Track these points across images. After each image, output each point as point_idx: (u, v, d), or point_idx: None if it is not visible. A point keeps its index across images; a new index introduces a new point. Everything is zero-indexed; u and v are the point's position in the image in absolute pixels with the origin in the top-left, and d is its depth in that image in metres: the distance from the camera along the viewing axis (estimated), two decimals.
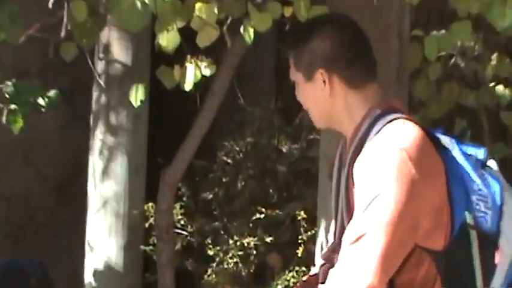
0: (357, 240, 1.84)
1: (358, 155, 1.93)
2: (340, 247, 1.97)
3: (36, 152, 6.10)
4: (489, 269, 1.95)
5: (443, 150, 1.95)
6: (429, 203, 1.87)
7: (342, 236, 1.96)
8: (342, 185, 2.05)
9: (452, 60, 5.13)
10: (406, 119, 1.94)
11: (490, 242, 1.96)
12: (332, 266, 1.99)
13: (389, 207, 1.82)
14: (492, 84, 5.13)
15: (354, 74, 2.03)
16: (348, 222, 1.95)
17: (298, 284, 2.78)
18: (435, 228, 1.87)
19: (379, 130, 1.92)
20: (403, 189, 1.83)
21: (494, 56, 5.01)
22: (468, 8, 3.60)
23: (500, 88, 5.07)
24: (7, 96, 4.19)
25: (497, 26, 3.57)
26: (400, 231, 1.81)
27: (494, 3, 3.49)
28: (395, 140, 1.87)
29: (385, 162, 1.84)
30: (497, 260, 1.96)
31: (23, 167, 6.17)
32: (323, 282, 2.00)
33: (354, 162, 1.94)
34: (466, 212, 1.90)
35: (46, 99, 4.29)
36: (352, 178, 1.95)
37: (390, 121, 1.92)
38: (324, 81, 2.01)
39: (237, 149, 5.79)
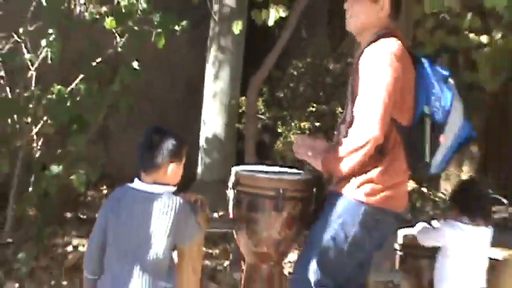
0: (363, 103, 2.50)
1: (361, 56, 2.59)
2: (345, 120, 2.65)
3: (172, 64, 7.43)
4: (434, 146, 2.61)
5: (417, 62, 2.63)
6: (403, 88, 2.53)
7: (348, 112, 2.63)
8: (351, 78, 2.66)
9: (441, 15, 6.55)
10: (394, 37, 2.62)
11: (438, 128, 2.58)
12: (339, 133, 2.70)
13: (384, 83, 2.49)
14: (467, 32, 6.56)
15: (398, 4, 2.72)
16: (351, 102, 2.58)
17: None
18: (403, 108, 2.55)
19: (375, 40, 2.60)
20: (392, 73, 2.50)
21: (469, 14, 6.22)
22: None
23: (472, 35, 6.59)
24: (155, 23, 4.87)
25: None
26: (388, 100, 2.48)
27: None
28: (387, 47, 2.56)
29: (382, 57, 2.53)
30: (441, 140, 2.63)
31: (163, 76, 7.43)
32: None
33: (359, 60, 2.60)
34: (425, 106, 2.55)
35: (179, 27, 5.00)
36: (357, 71, 2.57)
37: (384, 36, 2.61)
38: (383, 6, 2.64)
39: (300, 65, 7.30)
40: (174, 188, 2.49)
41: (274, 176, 2.95)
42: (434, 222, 3.21)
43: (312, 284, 2.68)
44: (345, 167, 2.58)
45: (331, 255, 2.66)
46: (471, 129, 2.79)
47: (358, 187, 2.61)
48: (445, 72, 2.70)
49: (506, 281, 3.32)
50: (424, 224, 3.21)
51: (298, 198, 2.90)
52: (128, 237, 2.42)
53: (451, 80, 2.69)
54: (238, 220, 2.97)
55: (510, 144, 7.45)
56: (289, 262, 4.10)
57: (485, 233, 3.02)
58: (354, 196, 2.62)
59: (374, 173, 2.62)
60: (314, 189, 2.96)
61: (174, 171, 2.48)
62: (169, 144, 2.44)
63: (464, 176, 7.45)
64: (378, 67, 2.52)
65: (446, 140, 2.67)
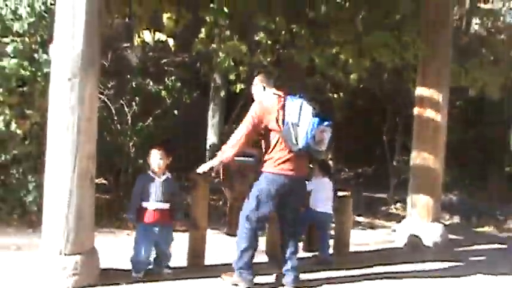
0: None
1: None
2: None
3: None
4: (298, 136, 5.48)
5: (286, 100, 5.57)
6: (269, 117, 5.56)
7: None
8: None
9: None
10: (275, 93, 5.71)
11: (295, 125, 5.48)
12: None
13: (253, 114, 5.57)
14: None
15: None
16: None
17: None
18: (274, 124, 5.55)
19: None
20: (259, 110, 5.57)
21: None
22: None
23: None
24: None
25: None
26: (254, 123, 5.55)
27: None
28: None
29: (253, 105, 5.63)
30: (300, 133, 5.48)
31: None
32: None
33: None
34: (288, 117, 5.47)
35: None
36: None
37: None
38: None
39: None
40: None
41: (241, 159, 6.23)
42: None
43: (244, 217, 5.61)
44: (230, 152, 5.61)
45: (251, 200, 5.64)
46: (321, 121, 5.45)
47: (263, 164, 5.60)
48: (299, 101, 5.52)
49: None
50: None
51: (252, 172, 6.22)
52: None
53: (303, 104, 5.49)
54: (226, 183, 6.31)
55: None
56: None
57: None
58: (262, 169, 5.65)
59: (270, 155, 5.56)
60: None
61: None
62: None
63: None
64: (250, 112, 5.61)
65: (302, 131, 5.44)
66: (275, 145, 5.57)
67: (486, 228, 10.33)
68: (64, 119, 5.05)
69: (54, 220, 5.10)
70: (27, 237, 6.76)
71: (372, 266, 6.67)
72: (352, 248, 7.45)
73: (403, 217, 9.19)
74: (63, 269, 5.07)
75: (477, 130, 13.22)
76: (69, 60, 5.03)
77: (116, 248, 6.45)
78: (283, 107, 5.54)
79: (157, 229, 5.58)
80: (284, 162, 5.55)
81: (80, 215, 5.11)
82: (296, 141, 5.47)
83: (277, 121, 5.52)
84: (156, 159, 5.62)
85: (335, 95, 12.44)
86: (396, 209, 11.36)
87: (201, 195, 6.15)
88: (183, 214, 5.75)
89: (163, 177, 5.63)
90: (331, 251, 7.02)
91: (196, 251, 6.16)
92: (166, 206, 5.61)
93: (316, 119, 5.47)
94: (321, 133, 5.53)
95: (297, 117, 5.48)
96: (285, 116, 5.51)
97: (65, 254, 5.08)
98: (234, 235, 6.25)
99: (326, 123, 5.56)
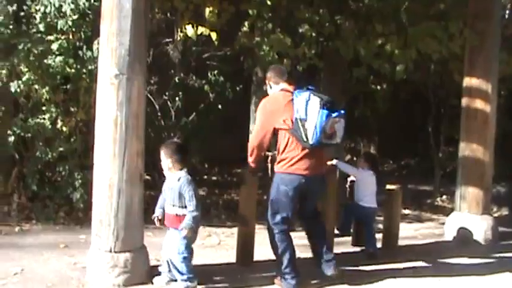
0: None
1: None
2: None
3: None
4: (307, 133, 5.18)
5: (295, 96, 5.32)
6: (276, 118, 5.37)
7: None
8: None
9: None
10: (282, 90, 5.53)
11: (303, 120, 5.19)
12: None
13: (259, 119, 5.49)
14: None
15: None
16: None
17: None
18: (283, 123, 5.31)
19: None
20: (263, 114, 5.47)
21: None
22: None
23: None
24: None
25: None
26: (262, 128, 5.43)
27: None
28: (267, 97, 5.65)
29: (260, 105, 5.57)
30: (309, 129, 5.17)
31: None
32: None
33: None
34: (296, 115, 5.23)
35: None
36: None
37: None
38: None
39: None
40: None
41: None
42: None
43: (270, 221, 5.43)
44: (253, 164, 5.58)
45: (272, 203, 5.42)
46: (332, 112, 5.17)
47: (277, 164, 5.40)
48: (306, 94, 5.25)
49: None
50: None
51: None
52: None
53: (310, 97, 5.21)
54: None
55: None
56: None
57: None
58: (276, 169, 5.44)
59: (283, 156, 5.33)
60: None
61: None
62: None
63: None
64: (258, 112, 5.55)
65: (311, 126, 5.16)
66: (286, 144, 5.32)
67: None
68: (112, 116, 5.02)
69: (103, 218, 5.09)
70: (75, 235, 6.78)
71: (420, 260, 6.58)
72: (401, 242, 7.33)
73: (450, 209, 9.05)
74: (113, 267, 5.06)
75: None
76: (116, 57, 5.00)
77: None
78: (290, 103, 5.31)
79: (169, 233, 5.25)
80: (298, 161, 5.30)
81: (129, 212, 5.11)
82: (306, 137, 5.20)
83: (285, 120, 5.29)
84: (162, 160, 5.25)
85: (378, 87, 12.26)
86: (442, 201, 11.13)
87: (249, 191, 6.06)
88: (189, 222, 5.01)
89: (173, 179, 5.15)
90: (379, 245, 6.93)
91: (245, 249, 6.12)
92: (173, 210, 5.13)
93: (325, 111, 5.16)
94: (332, 125, 5.23)
95: (304, 112, 5.20)
96: (293, 112, 5.27)
97: (115, 252, 5.08)
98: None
99: (336, 113, 5.24)
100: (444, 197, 11.36)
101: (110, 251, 5.08)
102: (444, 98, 11.73)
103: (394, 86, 11.99)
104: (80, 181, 7.39)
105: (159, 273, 5.31)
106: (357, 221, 7.08)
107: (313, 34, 8.37)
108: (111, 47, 5.02)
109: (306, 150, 5.27)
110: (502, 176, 10.97)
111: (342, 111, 5.31)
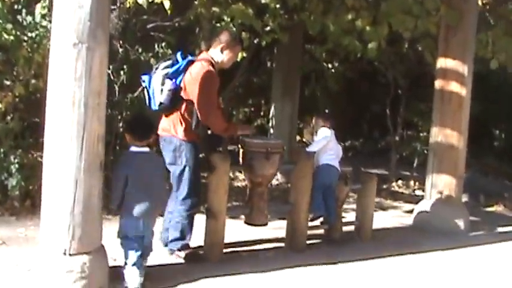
0: None
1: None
2: None
3: None
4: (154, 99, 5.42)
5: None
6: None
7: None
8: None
9: None
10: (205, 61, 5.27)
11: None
12: None
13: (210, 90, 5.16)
14: None
15: None
16: None
17: None
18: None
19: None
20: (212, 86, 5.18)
21: None
22: None
23: None
24: None
25: None
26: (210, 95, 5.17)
27: None
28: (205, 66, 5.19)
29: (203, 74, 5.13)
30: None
31: None
32: None
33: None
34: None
35: None
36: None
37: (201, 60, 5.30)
38: None
39: None
40: None
41: (263, 141, 5.52)
42: None
43: None
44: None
45: None
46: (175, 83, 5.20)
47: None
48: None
49: None
50: None
51: (276, 153, 5.49)
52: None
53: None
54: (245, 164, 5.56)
55: None
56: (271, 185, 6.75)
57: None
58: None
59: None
60: (284, 147, 5.55)
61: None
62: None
63: None
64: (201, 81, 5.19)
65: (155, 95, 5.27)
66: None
67: (495, 208, 9.77)
68: (68, 93, 4.15)
69: (56, 214, 4.23)
70: (11, 228, 5.78)
71: (397, 255, 6.14)
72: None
73: (409, 196, 8.74)
74: (68, 272, 4.24)
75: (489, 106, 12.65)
76: (75, 22, 4.13)
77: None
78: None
79: None
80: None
81: (87, 207, 4.26)
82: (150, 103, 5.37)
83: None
84: None
85: (329, 65, 11.76)
86: (398, 186, 10.73)
87: (219, 180, 5.34)
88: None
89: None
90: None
91: (214, 243, 5.42)
92: None
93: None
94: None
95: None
96: None
97: (70, 254, 4.25)
98: (254, 224, 5.62)
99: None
100: (400, 181, 10.96)
101: (65, 254, 4.24)
102: (403, 79, 11.22)
103: (347, 64, 11.52)
104: (16, 166, 6.43)
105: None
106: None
107: (277, 6, 7.67)
108: (68, 10, 4.13)
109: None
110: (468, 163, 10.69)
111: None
